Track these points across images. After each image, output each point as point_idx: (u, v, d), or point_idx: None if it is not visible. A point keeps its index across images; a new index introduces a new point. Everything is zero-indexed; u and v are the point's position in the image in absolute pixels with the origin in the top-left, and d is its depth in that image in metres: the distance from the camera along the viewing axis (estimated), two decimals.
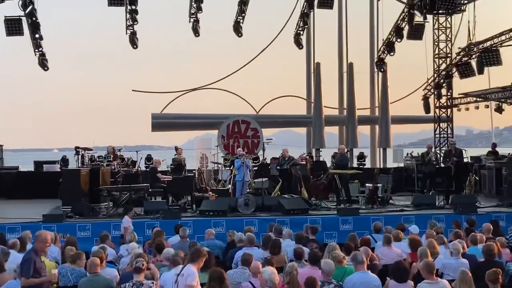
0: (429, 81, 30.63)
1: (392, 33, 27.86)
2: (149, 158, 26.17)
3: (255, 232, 12.78)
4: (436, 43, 28.52)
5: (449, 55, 28.32)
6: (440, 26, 28.44)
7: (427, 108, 30.99)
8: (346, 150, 20.68)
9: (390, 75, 30.99)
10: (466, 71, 26.20)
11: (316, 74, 30.67)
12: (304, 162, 21.28)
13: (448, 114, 28.73)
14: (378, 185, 19.27)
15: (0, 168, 25.31)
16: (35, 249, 8.19)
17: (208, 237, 12.63)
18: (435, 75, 28.90)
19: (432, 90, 30.26)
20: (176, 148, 21.71)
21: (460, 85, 39.78)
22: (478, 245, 10.87)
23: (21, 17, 22.63)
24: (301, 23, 29.14)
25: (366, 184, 19.78)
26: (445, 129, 28.61)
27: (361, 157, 27.93)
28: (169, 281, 7.94)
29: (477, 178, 22.07)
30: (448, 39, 28.45)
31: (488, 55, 25.04)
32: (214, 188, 20.04)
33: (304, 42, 31.02)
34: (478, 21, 27.25)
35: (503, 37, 25.53)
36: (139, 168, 21.62)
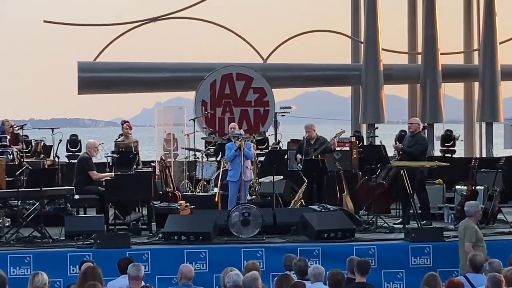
0: None
1: None
2: (74, 141, 22.47)
3: (262, 271, 11.76)
4: None
5: None
6: None
7: None
8: (421, 127, 18.02)
9: None
10: None
11: None
12: (348, 148, 19.03)
13: None
14: (477, 188, 16.78)
15: None
16: None
17: (181, 280, 10.61)
18: None
19: None
20: (122, 124, 19.22)
21: None
22: None
23: None
24: None
25: (457, 187, 17.27)
26: None
27: (449, 138, 23.58)
28: None
29: None
30: None
31: None
32: (189, 193, 18.01)
33: None
34: None
35: None
36: (56, 159, 18.66)
